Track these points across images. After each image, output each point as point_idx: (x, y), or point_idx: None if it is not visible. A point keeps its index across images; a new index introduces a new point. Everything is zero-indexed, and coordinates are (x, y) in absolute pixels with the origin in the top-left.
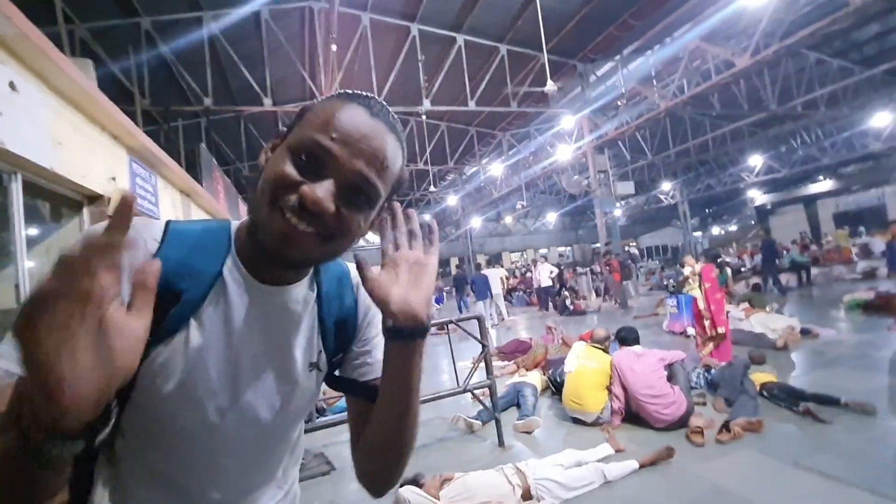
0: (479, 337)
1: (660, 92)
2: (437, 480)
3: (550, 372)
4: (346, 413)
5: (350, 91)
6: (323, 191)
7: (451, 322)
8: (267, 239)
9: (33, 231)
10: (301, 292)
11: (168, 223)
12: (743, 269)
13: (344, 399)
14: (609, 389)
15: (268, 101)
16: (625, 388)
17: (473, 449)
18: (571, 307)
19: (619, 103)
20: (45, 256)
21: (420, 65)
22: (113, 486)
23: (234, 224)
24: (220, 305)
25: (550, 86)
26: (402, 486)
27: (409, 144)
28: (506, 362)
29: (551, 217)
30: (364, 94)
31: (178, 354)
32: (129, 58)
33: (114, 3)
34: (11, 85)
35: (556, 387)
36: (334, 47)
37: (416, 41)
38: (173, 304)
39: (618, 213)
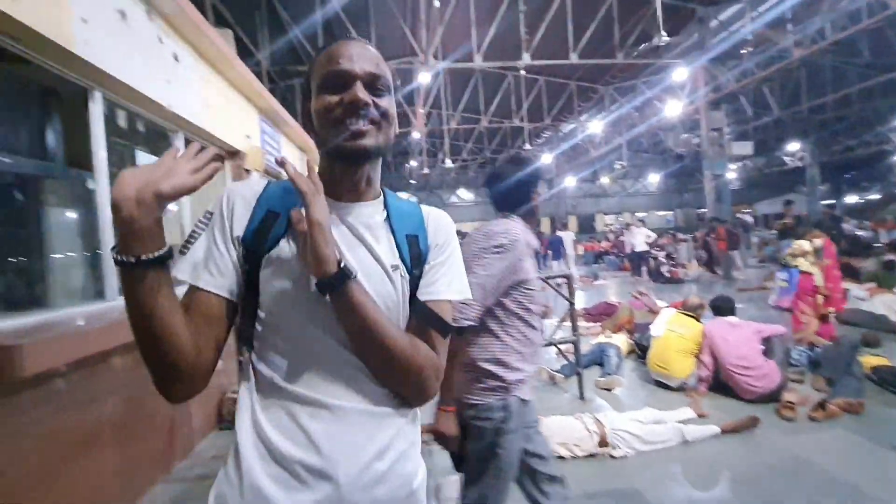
0: (566, 295)
1: (795, 37)
2: None
3: (636, 336)
4: None
5: (334, 41)
6: (355, 91)
7: (539, 279)
8: (343, 147)
9: None
10: (376, 209)
11: (268, 181)
12: (876, 245)
13: None
14: (697, 357)
15: None
16: (715, 358)
17: (554, 399)
18: (668, 274)
19: (742, 51)
20: (196, 202)
21: (521, 16)
22: (258, 349)
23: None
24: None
25: (662, 37)
26: None
27: (504, 101)
28: (592, 323)
29: (653, 179)
30: (347, 36)
31: (283, 256)
32: (254, 23)
33: None
34: (175, 57)
35: (641, 350)
36: (437, 2)
37: None
38: (275, 222)
39: (731, 175)
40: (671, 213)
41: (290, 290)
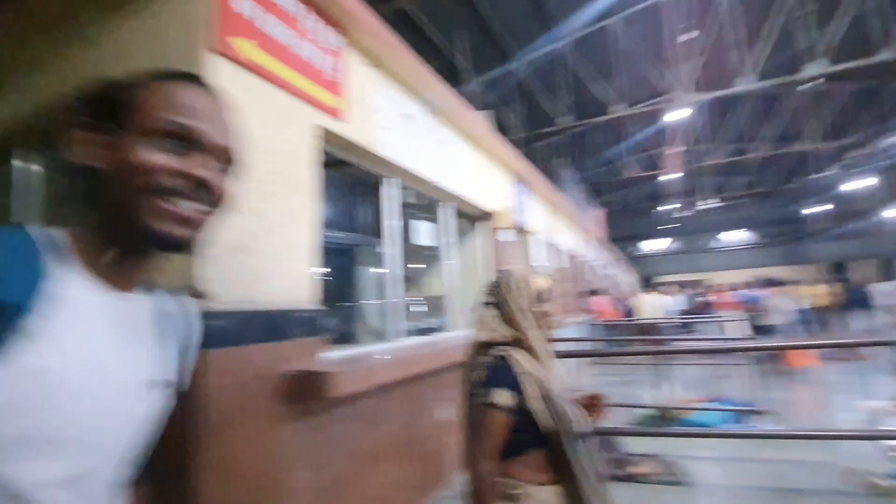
0: None
1: None
2: None
3: None
4: (706, 427)
5: (169, 70)
6: (208, 169)
7: (848, 345)
8: (157, 231)
9: (456, 240)
10: (144, 304)
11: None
12: None
13: (703, 413)
14: None
15: (619, 107)
16: None
17: None
18: None
19: None
20: (461, 257)
21: (804, 15)
22: None
23: (48, 230)
24: (58, 316)
25: None
26: None
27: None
28: None
29: None
30: (182, 70)
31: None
32: (507, 99)
33: (499, 55)
34: (445, 141)
35: None
36: (689, 35)
37: None
38: None
39: None
40: None
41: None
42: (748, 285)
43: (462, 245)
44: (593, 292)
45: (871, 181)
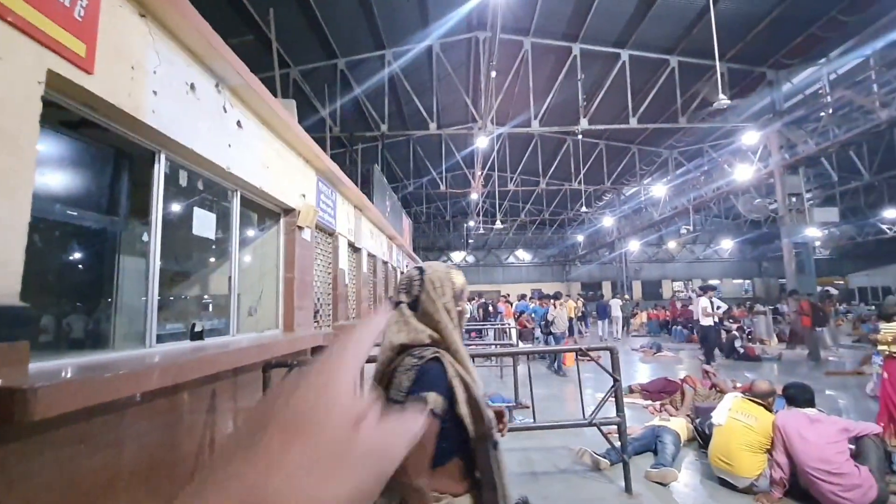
0: (610, 370)
1: (881, 99)
2: None
3: (699, 421)
4: None
5: None
6: None
7: (580, 350)
8: None
9: (247, 234)
10: None
11: None
12: None
13: None
14: (769, 453)
15: (433, 126)
16: (790, 458)
17: (597, 489)
18: (741, 350)
19: (822, 113)
20: (251, 254)
21: (580, 84)
22: None
23: None
24: None
25: (722, 101)
26: None
27: (563, 164)
28: (649, 402)
29: (727, 244)
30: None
31: None
32: (325, 93)
33: (320, 48)
34: (238, 123)
35: (702, 439)
36: (494, 74)
37: (577, 60)
38: None
39: (817, 243)
40: (748, 281)
41: None
42: (521, 298)
43: (255, 241)
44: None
45: (612, 220)
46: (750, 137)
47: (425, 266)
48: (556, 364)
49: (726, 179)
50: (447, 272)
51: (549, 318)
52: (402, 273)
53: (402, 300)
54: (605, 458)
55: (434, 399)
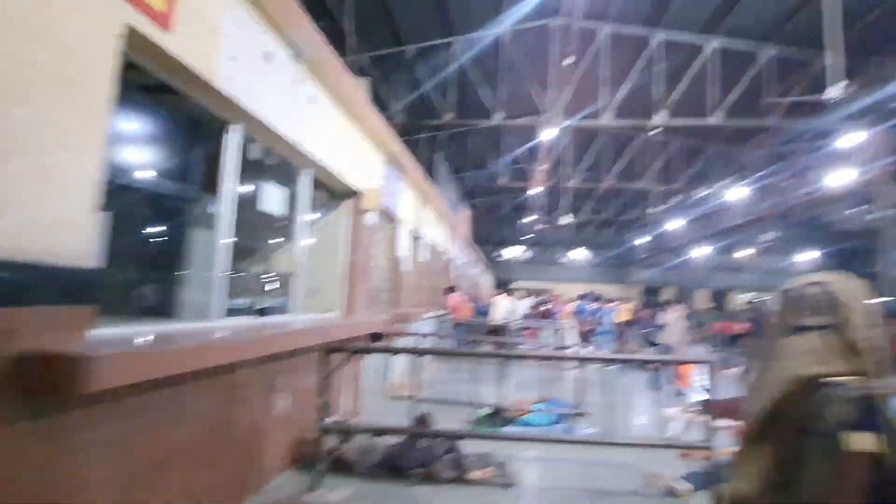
0: (705, 385)
1: None
2: None
3: None
4: (537, 430)
5: None
6: None
7: (653, 361)
8: None
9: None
10: None
11: None
12: None
13: (535, 414)
14: None
15: (498, 116)
16: None
17: None
18: None
19: None
20: (316, 234)
21: (658, 75)
22: None
23: None
24: None
25: (835, 90)
26: None
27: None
28: (728, 421)
29: (809, 256)
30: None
31: None
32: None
33: (389, 35)
34: (312, 99)
35: None
36: (568, 60)
37: (659, 49)
38: None
39: None
40: None
41: None
42: (580, 297)
43: (320, 221)
44: (451, 289)
45: (681, 223)
46: (852, 139)
47: (836, 282)
48: (659, 381)
49: (815, 186)
50: (863, 291)
51: (658, 323)
52: (458, 264)
53: (818, 323)
54: (685, 483)
55: (867, 439)
